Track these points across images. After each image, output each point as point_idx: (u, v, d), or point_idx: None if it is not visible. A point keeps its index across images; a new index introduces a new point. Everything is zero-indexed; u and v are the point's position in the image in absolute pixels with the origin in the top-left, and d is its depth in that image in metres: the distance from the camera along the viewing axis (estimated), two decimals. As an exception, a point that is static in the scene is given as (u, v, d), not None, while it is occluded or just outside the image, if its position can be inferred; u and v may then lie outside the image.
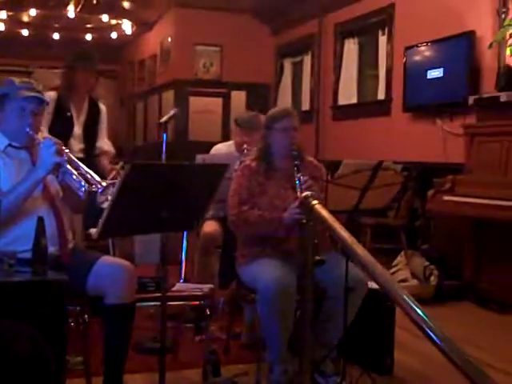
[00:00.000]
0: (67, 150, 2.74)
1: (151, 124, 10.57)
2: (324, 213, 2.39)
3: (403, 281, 4.98)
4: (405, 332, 3.39)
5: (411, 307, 1.82)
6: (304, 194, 2.53)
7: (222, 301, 4.10)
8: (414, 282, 4.99)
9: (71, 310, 2.85)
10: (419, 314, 1.79)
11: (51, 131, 3.74)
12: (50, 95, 4.02)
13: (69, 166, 2.67)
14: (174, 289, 3.21)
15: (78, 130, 4.12)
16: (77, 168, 2.70)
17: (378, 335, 3.40)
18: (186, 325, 3.82)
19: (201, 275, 4.13)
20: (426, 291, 4.88)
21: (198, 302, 3.17)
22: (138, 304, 2.91)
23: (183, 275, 4.10)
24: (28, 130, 2.74)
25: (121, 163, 4.01)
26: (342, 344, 3.12)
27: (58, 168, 2.67)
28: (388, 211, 6.39)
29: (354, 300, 3.02)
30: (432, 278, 4.99)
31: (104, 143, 4.29)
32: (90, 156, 4.14)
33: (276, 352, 3.07)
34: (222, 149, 4.52)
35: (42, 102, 2.81)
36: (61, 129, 3.90)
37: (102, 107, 4.30)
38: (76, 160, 2.75)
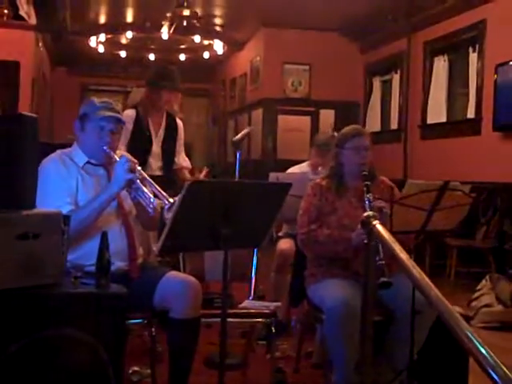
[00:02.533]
0: (139, 168, 2.83)
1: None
2: (384, 233, 2.35)
3: (487, 305, 4.80)
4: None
5: (467, 336, 1.76)
6: (365, 214, 2.51)
7: (295, 319, 4.10)
8: (500, 307, 4.80)
9: (139, 324, 2.92)
10: (477, 347, 1.71)
11: (129, 149, 3.81)
12: (129, 113, 4.11)
13: (140, 183, 2.76)
14: (242, 306, 3.23)
15: (156, 148, 4.15)
16: (148, 185, 2.79)
17: (451, 361, 3.28)
18: (259, 342, 3.83)
19: (276, 293, 4.14)
20: (512, 317, 4.68)
21: (264, 320, 3.16)
22: (205, 320, 2.95)
23: (252, 292, 4.11)
24: (106, 148, 2.85)
25: (205, 170, 4.07)
26: (412, 369, 3.04)
27: (130, 184, 2.76)
28: (476, 233, 6.20)
29: (422, 323, 2.94)
30: (519, 304, 4.79)
31: (182, 159, 4.31)
32: (169, 172, 4.21)
33: (342, 373, 3.02)
34: (295, 170, 4.52)
35: (119, 121, 2.93)
36: (139, 147, 3.96)
37: (180, 123, 4.32)
38: (147, 177, 2.83)
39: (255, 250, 3.87)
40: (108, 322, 2.24)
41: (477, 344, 1.73)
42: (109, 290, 2.32)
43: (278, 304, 3.36)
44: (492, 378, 1.57)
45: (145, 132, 4.12)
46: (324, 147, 4.26)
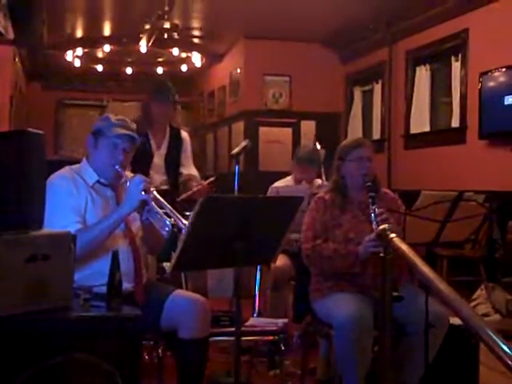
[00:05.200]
0: (153, 189, 2.72)
1: (222, 155, 10.63)
2: (403, 246, 2.31)
3: (485, 315, 4.79)
4: (490, 371, 3.22)
5: (497, 344, 1.73)
6: (381, 227, 2.46)
7: (297, 335, 4.03)
8: (497, 316, 4.80)
9: (146, 345, 2.83)
10: (507, 352, 1.69)
11: (131, 164, 3.78)
12: None
13: (154, 205, 2.66)
14: (248, 323, 3.16)
15: (158, 161, 4.09)
16: (162, 207, 2.68)
17: (461, 374, 3.24)
18: (259, 359, 3.76)
19: (273, 310, 4.06)
20: (510, 327, 4.66)
21: (272, 337, 3.09)
22: (212, 338, 2.87)
23: (257, 309, 4.04)
24: (117, 167, 2.76)
25: (212, 179, 4.00)
26: (423, 383, 2.99)
27: (143, 206, 2.66)
28: (465, 242, 6.18)
29: (434, 337, 2.89)
30: (516, 313, 4.78)
31: (190, 170, 4.24)
32: (174, 186, 4.12)
33: (353, 389, 2.96)
34: (280, 185, 4.44)
35: (134, 140, 2.83)
36: (140, 161, 3.92)
37: (185, 135, 4.27)
38: (161, 199, 2.71)
39: (258, 266, 3.81)
40: (122, 345, 2.15)
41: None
42: (122, 312, 2.22)
43: (286, 320, 3.29)
44: None
45: (145, 146, 4.04)
46: (306, 162, 4.21)
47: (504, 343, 1.71)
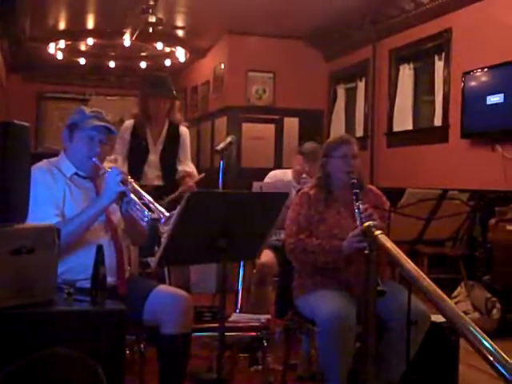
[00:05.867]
0: (132, 180, 2.72)
1: (204, 150, 10.62)
2: (388, 244, 2.32)
3: (464, 313, 4.80)
4: (469, 368, 3.26)
5: (480, 341, 1.75)
6: (367, 223, 2.47)
7: (279, 331, 4.03)
8: (476, 314, 4.83)
9: (128, 340, 2.81)
10: (489, 349, 1.72)
11: (128, 159, 3.76)
12: (127, 123, 4.06)
13: (133, 196, 2.66)
14: (231, 319, 3.16)
15: (153, 157, 4.07)
16: (140, 198, 2.68)
17: (441, 371, 3.26)
18: (241, 355, 3.76)
19: (256, 305, 4.06)
20: (489, 324, 4.70)
21: (254, 333, 3.09)
22: (194, 334, 2.86)
23: (239, 305, 4.04)
24: (94, 159, 2.75)
25: (202, 174, 3.99)
26: (403, 379, 3.00)
27: (121, 197, 2.66)
28: (446, 240, 6.22)
29: (416, 333, 2.91)
30: (494, 311, 4.81)
31: (186, 166, 4.23)
32: (169, 182, 4.10)
33: (335, 385, 2.97)
34: (278, 175, 4.47)
35: (110, 131, 2.82)
36: (136, 157, 3.91)
37: (183, 131, 4.24)
38: (140, 190, 2.72)
39: (241, 262, 3.80)
40: (106, 340, 2.14)
41: (498, 356, 1.72)
42: (106, 306, 2.21)
43: (268, 316, 3.29)
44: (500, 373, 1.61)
45: (141, 142, 4.04)
46: (311, 155, 4.23)
47: (486, 339, 1.74)
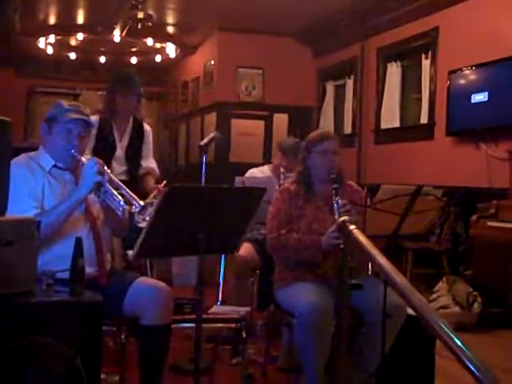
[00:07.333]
0: (109, 170, 2.78)
1: (193, 146, 10.65)
2: (362, 238, 2.36)
3: (445, 307, 4.89)
4: (445, 360, 3.31)
5: (450, 337, 1.79)
6: (341, 218, 2.52)
7: (260, 324, 4.09)
8: (457, 308, 4.89)
9: (108, 330, 2.86)
10: (458, 344, 1.75)
11: (95, 154, 3.78)
12: (93, 119, 4.06)
13: (109, 186, 2.71)
14: (211, 311, 3.21)
15: (119, 152, 4.11)
16: (117, 188, 2.74)
17: (418, 363, 3.32)
18: (224, 347, 3.81)
19: (237, 298, 4.12)
20: (469, 318, 4.77)
21: (234, 325, 3.14)
22: (175, 325, 2.91)
23: (221, 297, 4.09)
24: (73, 151, 2.79)
25: (164, 182, 4.07)
26: (380, 371, 3.06)
27: (98, 187, 2.71)
28: (430, 236, 6.30)
29: (392, 326, 2.96)
30: (475, 306, 4.88)
31: (149, 163, 4.27)
32: (134, 177, 4.15)
33: (312, 377, 3.02)
34: (255, 173, 4.52)
35: (88, 124, 2.87)
36: (103, 152, 3.93)
37: (147, 128, 4.28)
38: (117, 180, 2.79)
39: (223, 254, 3.86)
40: (84, 330, 2.19)
41: (464, 349, 1.76)
42: (84, 297, 2.26)
43: (248, 309, 3.35)
44: (469, 369, 1.60)
45: (108, 137, 4.07)
46: (290, 152, 4.28)
47: (455, 335, 1.76)
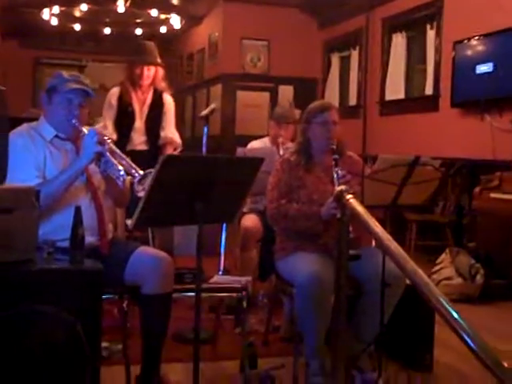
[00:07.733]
0: (109, 140, 2.80)
1: (199, 117, 10.62)
2: (358, 207, 2.37)
3: (448, 278, 4.91)
4: (445, 328, 3.33)
5: (443, 305, 1.81)
6: (339, 188, 2.52)
7: (262, 294, 4.13)
8: (459, 280, 4.91)
9: (111, 299, 2.90)
10: (452, 314, 1.78)
11: (115, 125, 3.92)
12: (114, 91, 4.15)
13: (110, 156, 2.73)
14: (212, 280, 3.23)
15: (139, 123, 4.19)
16: (118, 158, 2.75)
17: (418, 331, 3.36)
18: (227, 316, 3.85)
19: (242, 269, 4.15)
20: (472, 290, 4.80)
21: (235, 294, 3.17)
22: (177, 295, 2.94)
23: (222, 267, 4.12)
24: (74, 121, 2.81)
25: (179, 150, 4.12)
26: (379, 340, 3.09)
27: (99, 157, 2.73)
28: (435, 208, 6.31)
29: (390, 296, 2.98)
30: (478, 277, 4.89)
31: (169, 133, 4.33)
32: (154, 147, 4.20)
33: (313, 346, 3.05)
34: (256, 144, 4.54)
35: (88, 94, 2.87)
36: (123, 123, 4.01)
37: (167, 99, 4.34)
38: (117, 150, 2.80)
39: (224, 224, 3.88)
40: (84, 298, 2.22)
41: (453, 313, 1.79)
42: (84, 265, 2.29)
43: (249, 278, 3.38)
44: (462, 338, 1.66)
45: (127, 108, 4.13)
46: (281, 119, 4.30)
47: (450, 305, 1.78)
